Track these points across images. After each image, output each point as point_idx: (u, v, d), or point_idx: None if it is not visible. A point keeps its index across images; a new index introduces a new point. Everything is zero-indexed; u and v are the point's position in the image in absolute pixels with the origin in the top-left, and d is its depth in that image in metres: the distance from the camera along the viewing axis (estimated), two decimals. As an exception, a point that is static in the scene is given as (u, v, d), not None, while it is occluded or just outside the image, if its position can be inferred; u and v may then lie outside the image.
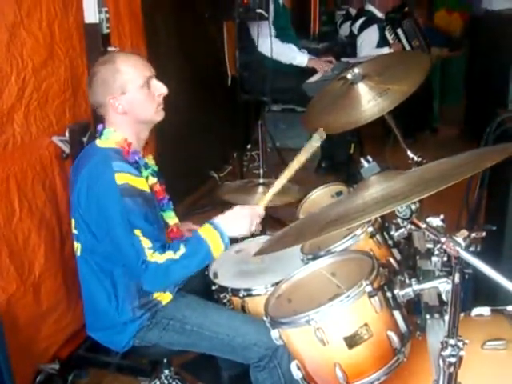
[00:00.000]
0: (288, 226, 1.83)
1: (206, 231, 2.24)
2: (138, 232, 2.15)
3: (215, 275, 2.55)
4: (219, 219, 2.27)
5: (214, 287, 2.48)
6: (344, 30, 6.66)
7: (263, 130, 5.01)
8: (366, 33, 5.87)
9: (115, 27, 3.35)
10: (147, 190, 2.26)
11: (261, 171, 3.47)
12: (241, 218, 2.29)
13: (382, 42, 5.83)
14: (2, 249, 2.59)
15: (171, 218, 2.52)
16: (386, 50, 5.70)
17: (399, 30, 5.96)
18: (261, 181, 3.13)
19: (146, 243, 2.14)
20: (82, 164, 2.30)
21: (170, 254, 2.16)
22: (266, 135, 5.32)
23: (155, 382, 2.75)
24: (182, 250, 2.17)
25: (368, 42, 5.82)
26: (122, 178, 2.16)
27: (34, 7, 2.74)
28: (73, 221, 2.36)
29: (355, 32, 6.01)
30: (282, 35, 4.90)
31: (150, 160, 2.46)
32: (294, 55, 4.89)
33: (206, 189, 5.11)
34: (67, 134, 2.90)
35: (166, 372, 2.69)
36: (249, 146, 5.31)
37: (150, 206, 2.24)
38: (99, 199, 2.18)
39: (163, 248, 2.17)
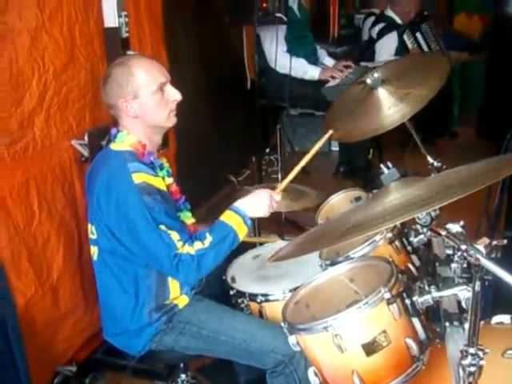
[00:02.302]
0: (306, 231, 1.82)
1: (228, 217, 2.27)
2: (163, 227, 2.15)
3: (233, 280, 2.55)
4: (238, 203, 2.31)
5: (231, 292, 2.48)
6: (366, 28, 6.58)
7: (282, 135, 5.01)
8: (385, 39, 5.83)
9: (136, 31, 3.36)
10: (164, 188, 2.27)
11: (279, 175, 3.46)
12: (259, 200, 2.34)
13: (401, 49, 5.79)
14: (21, 252, 2.60)
15: (188, 218, 2.53)
16: None
17: (418, 34, 5.92)
18: (279, 185, 3.12)
19: (175, 236, 2.16)
20: (98, 168, 2.31)
21: (199, 245, 2.17)
22: (284, 139, 5.32)
23: (172, 386, 2.75)
24: (209, 238, 2.19)
25: (386, 49, 5.78)
26: (140, 177, 2.17)
27: (56, 11, 2.75)
28: (90, 226, 2.36)
29: (374, 36, 5.98)
30: (298, 44, 4.89)
31: (164, 163, 2.47)
32: (304, 70, 4.87)
33: (225, 193, 5.11)
34: (86, 137, 2.92)
35: (183, 376, 2.68)
36: (267, 151, 5.30)
37: (169, 204, 2.25)
38: (118, 200, 2.18)
39: (191, 239, 2.19)
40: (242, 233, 2.26)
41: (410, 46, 5.83)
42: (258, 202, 2.33)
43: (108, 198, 2.21)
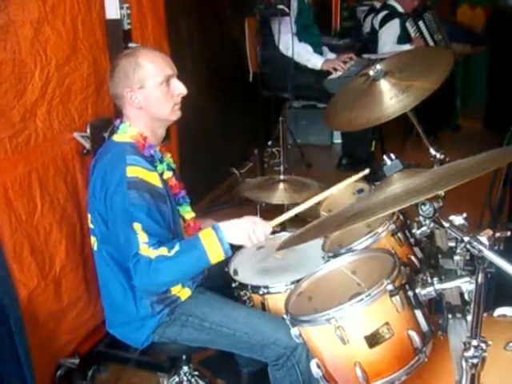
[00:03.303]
0: (309, 223, 1.82)
1: (204, 233, 2.19)
2: (136, 226, 2.13)
3: (235, 272, 2.55)
4: (223, 224, 2.21)
5: (234, 284, 2.48)
6: (367, 24, 6.60)
7: (284, 127, 5.01)
8: (387, 27, 5.83)
9: (138, 23, 3.36)
10: (159, 185, 2.26)
11: (281, 168, 3.47)
12: (245, 228, 2.20)
13: (404, 37, 5.78)
14: (23, 244, 2.61)
15: (188, 213, 2.52)
16: (407, 47, 5.67)
17: (421, 23, 5.90)
18: (281, 177, 3.12)
19: (143, 237, 2.12)
20: (99, 159, 2.33)
21: (163, 251, 2.11)
22: (286, 132, 5.32)
23: (174, 378, 2.76)
24: (176, 247, 2.13)
25: (389, 37, 5.78)
26: (134, 171, 2.18)
27: (58, 3, 2.75)
28: (89, 215, 2.37)
29: (376, 27, 5.97)
30: (304, 32, 4.89)
31: (168, 158, 2.47)
32: (308, 57, 4.88)
33: (227, 185, 5.12)
34: (88, 130, 2.91)
35: (185, 368, 2.70)
36: (270, 143, 5.31)
37: (159, 202, 2.22)
38: (109, 190, 2.19)
39: (159, 244, 2.13)
40: (215, 255, 2.16)
41: (412, 34, 5.82)
42: (243, 230, 2.19)
43: (102, 187, 2.22)
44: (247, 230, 2.19)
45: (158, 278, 2.14)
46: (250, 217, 2.27)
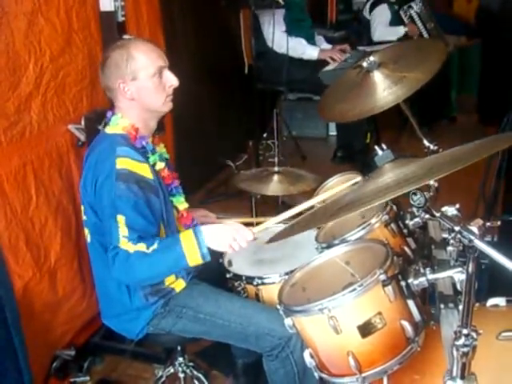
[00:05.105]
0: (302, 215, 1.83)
1: (185, 235, 2.19)
2: (120, 218, 2.14)
3: (230, 263, 2.56)
4: (204, 227, 2.21)
5: (228, 275, 2.49)
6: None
7: (279, 119, 5.00)
8: (377, 10, 5.85)
9: (133, 15, 3.35)
10: (150, 176, 2.25)
11: (276, 160, 3.46)
12: (226, 234, 2.20)
13: (396, 20, 5.80)
14: (18, 236, 2.61)
15: (181, 203, 2.52)
16: (401, 29, 5.70)
17: (413, 12, 5.91)
18: (276, 169, 3.13)
19: (123, 231, 2.13)
20: (91, 152, 2.33)
21: (142, 247, 2.12)
22: (281, 124, 5.32)
23: (169, 369, 2.77)
24: (155, 245, 2.13)
25: (380, 19, 5.80)
26: (123, 162, 2.18)
27: (52, -6, 2.75)
28: (82, 207, 2.38)
29: (367, 15, 6.00)
30: (296, 27, 4.88)
31: (161, 148, 2.47)
32: (303, 50, 4.88)
33: (223, 177, 5.12)
34: (83, 122, 2.91)
35: (180, 359, 2.71)
36: (265, 135, 5.30)
37: (149, 194, 2.22)
38: (97, 181, 2.20)
39: (139, 239, 2.14)
40: (192, 256, 2.15)
41: (406, 21, 5.84)
42: (224, 236, 2.20)
43: (92, 178, 2.23)
44: (229, 237, 2.19)
45: (134, 274, 2.16)
46: (232, 223, 2.31)
